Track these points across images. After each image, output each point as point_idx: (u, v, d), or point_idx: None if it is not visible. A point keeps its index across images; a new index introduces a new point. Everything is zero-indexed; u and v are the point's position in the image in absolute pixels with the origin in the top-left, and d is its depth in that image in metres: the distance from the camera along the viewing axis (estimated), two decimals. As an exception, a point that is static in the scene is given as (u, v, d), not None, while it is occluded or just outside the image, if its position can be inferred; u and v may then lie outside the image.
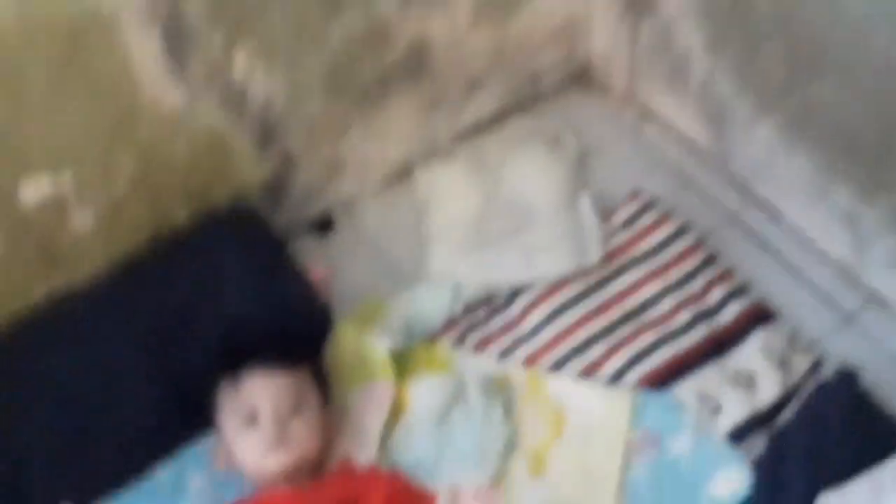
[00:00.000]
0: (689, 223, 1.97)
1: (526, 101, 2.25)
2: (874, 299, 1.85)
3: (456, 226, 2.00)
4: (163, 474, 1.74)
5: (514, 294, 1.89)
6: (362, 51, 1.89)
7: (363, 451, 1.69)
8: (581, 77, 2.31)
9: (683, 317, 1.81)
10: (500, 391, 1.74)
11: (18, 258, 1.73)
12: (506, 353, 1.81)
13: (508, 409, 1.71)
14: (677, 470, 1.60)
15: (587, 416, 1.68)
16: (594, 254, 1.89)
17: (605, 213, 1.99)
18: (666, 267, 1.89)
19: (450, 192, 2.06)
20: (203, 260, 1.81)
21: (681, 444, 1.63)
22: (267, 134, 1.89)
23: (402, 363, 1.79)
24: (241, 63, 1.75)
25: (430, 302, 1.89)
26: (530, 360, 1.79)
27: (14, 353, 1.73)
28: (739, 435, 1.63)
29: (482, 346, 1.83)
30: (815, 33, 1.68)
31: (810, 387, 1.66)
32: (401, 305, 1.90)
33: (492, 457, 1.64)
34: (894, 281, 1.81)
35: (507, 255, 1.91)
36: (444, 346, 1.83)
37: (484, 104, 2.19)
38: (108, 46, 1.58)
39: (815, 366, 1.72)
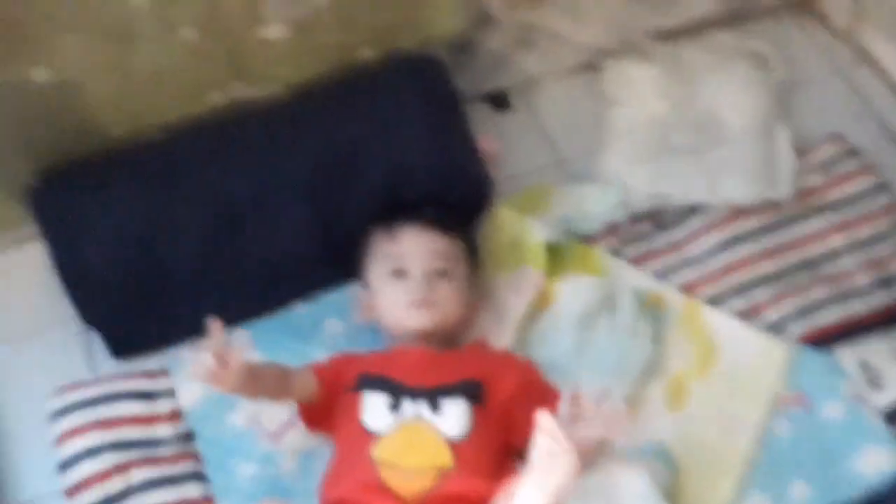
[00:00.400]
0: (890, 182, 1.84)
1: (738, 15, 2.11)
2: None
3: (638, 129, 1.91)
4: (302, 312, 1.75)
5: (687, 213, 1.80)
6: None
7: (500, 334, 1.67)
8: (801, 3, 2.15)
9: (863, 279, 1.70)
10: (652, 309, 1.67)
11: (208, 58, 1.72)
12: (664, 274, 1.74)
13: (657, 331, 1.65)
14: (824, 435, 1.53)
15: (740, 359, 1.61)
16: (785, 188, 1.78)
17: (799, 151, 1.87)
18: (856, 222, 1.77)
19: (638, 92, 1.96)
20: (381, 101, 1.78)
21: (832, 410, 1.55)
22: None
23: (556, 258, 1.74)
24: None
25: (596, 202, 1.82)
26: (689, 288, 1.71)
27: (178, 158, 1.74)
28: (896, 416, 1.55)
29: (641, 260, 1.77)
30: None
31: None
32: (565, 199, 1.84)
33: (631, 373, 1.60)
34: None
35: (689, 171, 1.81)
36: (600, 251, 1.77)
37: (693, 8, 2.07)
38: None
39: None
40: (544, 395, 1.55)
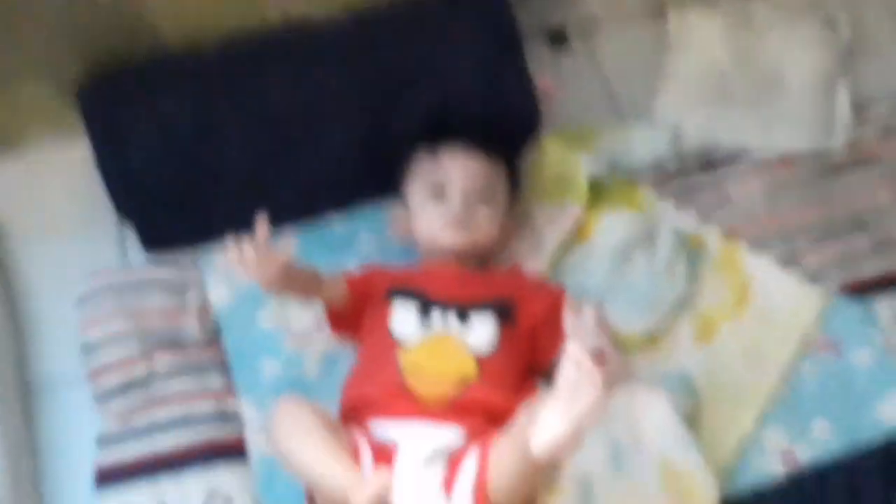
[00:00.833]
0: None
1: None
2: None
3: (696, 76, 1.88)
4: (337, 224, 1.76)
5: (736, 158, 1.78)
6: None
7: (535, 261, 1.66)
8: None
9: (907, 234, 1.67)
10: (691, 249, 1.65)
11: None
12: (707, 216, 1.72)
13: (694, 270, 1.63)
14: (851, 380, 1.51)
15: (774, 303, 1.59)
16: (838, 139, 1.76)
17: (857, 107, 1.84)
18: (905, 179, 1.74)
19: (701, 40, 1.92)
20: (439, 28, 1.76)
21: (862, 357, 1.53)
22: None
23: (598, 194, 1.73)
24: None
25: (645, 142, 1.80)
26: (731, 231, 1.69)
27: (229, 69, 1.74)
28: (926, 370, 1.52)
29: (685, 201, 1.75)
30: None
31: None
32: (614, 137, 1.82)
33: (662, 308, 1.58)
34: None
35: (743, 121, 1.79)
36: (645, 189, 1.75)
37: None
38: None
39: None
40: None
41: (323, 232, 1.75)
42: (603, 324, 1.29)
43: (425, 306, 1.47)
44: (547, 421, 1.11)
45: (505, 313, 1.47)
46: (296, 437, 1.28)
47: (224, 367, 1.59)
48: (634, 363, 1.53)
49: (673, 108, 1.84)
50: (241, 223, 1.73)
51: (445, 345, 1.43)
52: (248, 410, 1.53)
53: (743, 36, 1.92)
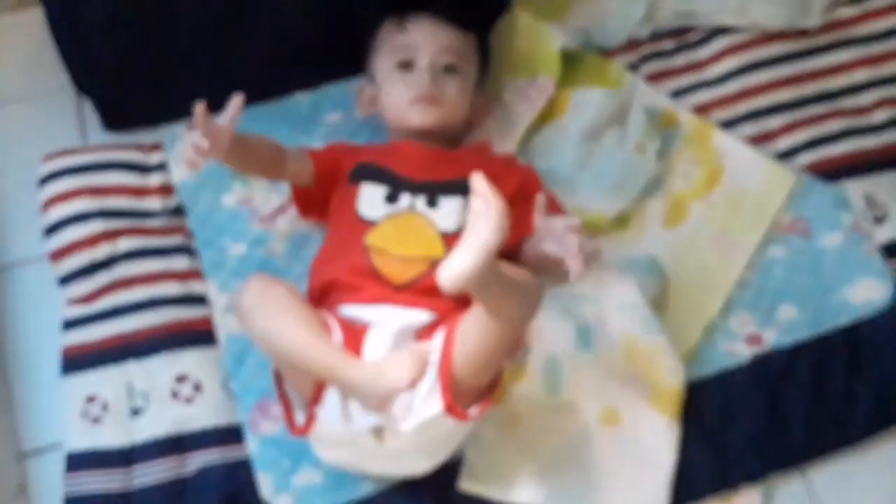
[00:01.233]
0: (926, 21, 1.77)
1: None
2: None
3: (672, -57, 1.82)
4: (302, 101, 1.72)
5: (711, 35, 1.74)
6: None
7: (505, 140, 1.64)
8: None
9: (881, 115, 1.65)
10: (662, 126, 1.63)
11: None
12: (680, 93, 1.69)
13: (665, 148, 1.61)
14: (819, 262, 1.51)
15: (744, 182, 1.58)
16: (815, 16, 1.71)
17: (836, -18, 1.79)
18: (882, 58, 1.71)
19: None
20: None
21: (831, 240, 1.53)
22: None
23: (571, 67, 1.69)
24: None
25: (619, 14, 1.75)
26: (704, 109, 1.67)
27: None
28: (895, 252, 1.52)
29: (658, 78, 1.71)
30: None
31: None
32: (587, 9, 1.77)
33: (631, 189, 1.56)
34: None
35: (719, -9, 1.74)
36: (618, 64, 1.71)
37: None
38: None
39: None
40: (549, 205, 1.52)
41: (288, 109, 1.71)
42: (573, 228, 1.27)
43: (394, 188, 1.45)
44: (454, 254, 1.13)
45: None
46: (272, 316, 1.27)
47: (189, 249, 1.57)
48: (603, 245, 1.52)
49: (648, -23, 1.78)
50: (202, 100, 1.69)
51: (412, 224, 1.42)
52: (214, 292, 1.52)
53: None
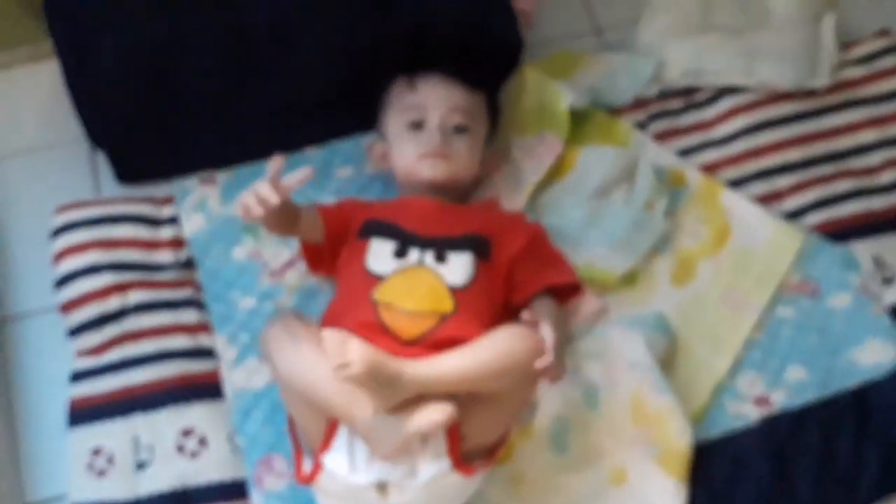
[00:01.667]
0: (933, 83, 1.77)
1: None
2: None
3: (681, 3, 1.85)
4: (313, 155, 1.73)
5: (719, 94, 1.75)
6: None
7: (514, 197, 1.64)
8: None
9: (889, 176, 1.65)
10: (670, 185, 1.63)
11: None
12: (688, 152, 1.70)
13: (673, 206, 1.61)
14: (828, 322, 1.50)
15: (752, 241, 1.57)
16: (822, 77, 1.72)
17: (844, 43, 1.80)
18: (890, 119, 1.72)
19: (685, -35, 1.88)
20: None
21: (840, 301, 1.52)
22: None
23: (579, 125, 1.70)
24: None
25: (627, 73, 1.77)
26: (712, 168, 1.67)
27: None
28: (904, 314, 1.52)
29: (666, 137, 1.72)
30: None
31: None
32: (596, 67, 1.79)
33: (639, 247, 1.56)
34: None
35: (727, 50, 1.75)
36: (626, 123, 1.73)
37: None
38: None
39: None
40: (550, 260, 1.53)
41: (299, 163, 1.69)
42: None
43: (403, 243, 1.45)
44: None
45: (481, 249, 1.46)
46: (296, 348, 1.28)
47: (198, 302, 1.58)
48: (610, 302, 1.52)
49: (656, 37, 1.81)
50: (214, 154, 1.71)
51: (420, 278, 1.42)
52: (222, 345, 1.52)
53: (729, -38, 1.87)
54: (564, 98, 1.67)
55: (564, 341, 1.43)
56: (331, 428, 1.28)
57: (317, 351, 1.26)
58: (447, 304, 1.38)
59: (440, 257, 1.43)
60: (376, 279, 1.41)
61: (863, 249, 1.57)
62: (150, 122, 1.69)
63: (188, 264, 1.62)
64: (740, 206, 1.61)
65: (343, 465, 1.26)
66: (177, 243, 1.63)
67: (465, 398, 1.25)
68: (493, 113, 1.66)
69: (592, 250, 1.56)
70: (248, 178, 1.68)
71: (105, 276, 1.56)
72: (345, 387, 1.21)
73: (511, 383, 1.28)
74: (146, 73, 1.65)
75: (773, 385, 1.46)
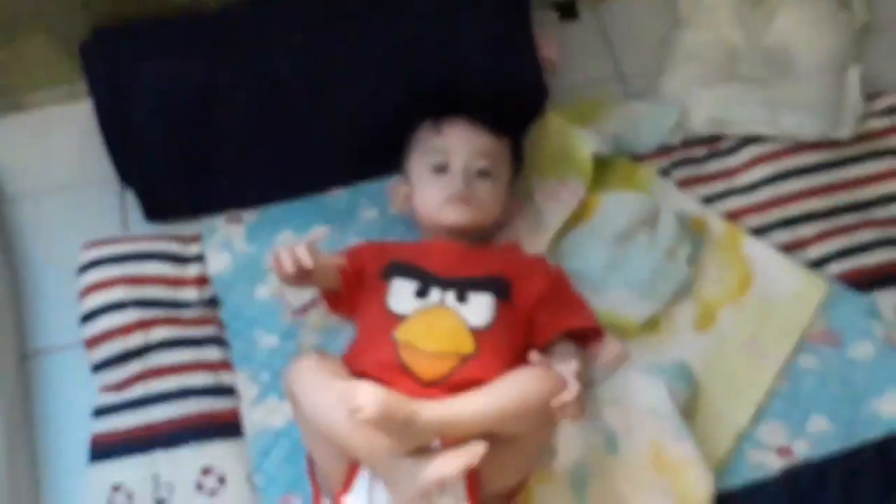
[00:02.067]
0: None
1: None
2: None
3: (706, 53, 1.86)
4: (339, 196, 1.74)
5: (743, 143, 1.75)
6: None
7: (536, 241, 1.65)
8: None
9: (913, 226, 1.65)
10: (693, 231, 1.64)
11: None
12: (711, 200, 1.70)
13: (695, 253, 1.61)
14: (850, 372, 1.50)
15: (775, 290, 1.57)
16: (847, 128, 1.72)
17: (869, 94, 1.80)
18: (914, 170, 1.72)
19: (712, 17, 1.90)
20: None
21: (862, 350, 1.51)
22: None
23: (602, 172, 1.71)
24: None
25: (651, 121, 1.78)
26: (735, 215, 1.68)
27: (232, 31, 1.71)
28: (928, 364, 1.51)
29: (689, 184, 1.73)
30: None
31: None
32: (619, 114, 1.80)
33: (661, 294, 1.56)
34: None
35: (752, 101, 1.76)
36: (649, 169, 1.73)
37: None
38: None
39: None
40: (570, 304, 1.53)
41: (325, 204, 1.73)
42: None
43: (424, 283, 1.46)
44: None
45: (502, 290, 1.46)
46: (322, 387, 1.29)
47: (221, 340, 1.59)
48: (631, 349, 1.52)
49: (681, 86, 1.82)
50: (241, 194, 1.73)
51: (441, 319, 1.42)
52: (243, 383, 1.53)
53: (754, 14, 1.89)
54: (588, 144, 1.68)
55: (585, 382, 1.43)
56: (352, 470, 1.27)
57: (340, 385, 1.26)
58: (468, 346, 1.38)
59: (461, 297, 1.44)
60: (397, 319, 1.42)
61: (886, 299, 1.56)
62: (180, 162, 1.71)
63: (212, 302, 1.63)
64: (763, 254, 1.61)
65: (362, 508, 1.26)
66: (202, 281, 1.65)
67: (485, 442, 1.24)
68: (517, 158, 1.68)
69: (614, 295, 1.56)
70: (274, 218, 1.70)
71: (130, 312, 1.57)
72: (366, 429, 1.21)
73: (530, 425, 1.28)
74: (179, 116, 1.68)
75: (796, 435, 1.45)
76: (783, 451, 1.43)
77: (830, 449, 1.43)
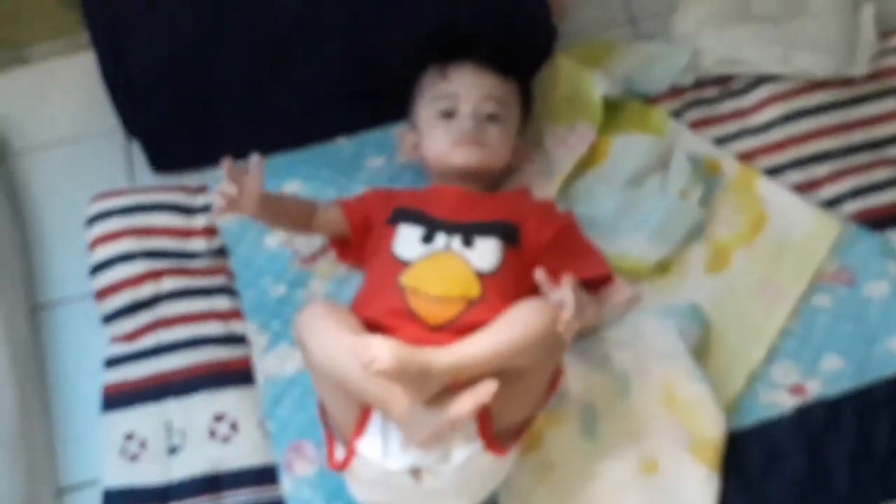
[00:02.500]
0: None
1: None
2: None
3: (717, -7, 1.83)
4: (344, 145, 1.73)
5: (756, 82, 1.73)
6: None
7: (545, 186, 1.64)
8: None
9: (929, 165, 1.63)
10: (705, 173, 1.62)
11: None
12: (724, 141, 1.68)
13: (708, 195, 1.59)
14: (864, 311, 1.48)
15: (789, 229, 1.55)
16: (861, 66, 1.70)
17: (883, 32, 1.77)
18: (929, 108, 1.69)
19: (723, -45, 1.86)
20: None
21: (877, 289, 1.49)
22: None
23: (613, 114, 1.69)
24: None
25: (663, 62, 1.75)
26: (748, 156, 1.65)
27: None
28: (943, 303, 1.49)
29: (702, 125, 1.70)
30: None
31: None
32: (631, 55, 1.77)
33: (673, 236, 1.55)
34: None
35: (765, 39, 1.73)
36: (661, 111, 1.71)
37: None
38: None
39: None
40: (579, 250, 1.52)
41: (330, 153, 1.72)
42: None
43: (430, 229, 1.45)
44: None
45: (509, 234, 1.45)
46: (332, 332, 1.28)
47: (231, 290, 1.58)
48: (643, 291, 1.51)
49: (692, 26, 1.79)
50: (248, 145, 1.71)
51: (447, 263, 1.41)
52: (253, 332, 1.53)
53: (768, -49, 1.85)
54: (598, 86, 1.66)
55: (596, 322, 1.45)
56: (364, 414, 1.27)
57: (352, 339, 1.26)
58: (474, 290, 1.38)
59: (467, 242, 1.43)
60: (403, 265, 1.41)
61: (901, 238, 1.54)
62: (185, 112, 1.71)
63: (221, 252, 1.63)
64: (777, 195, 1.59)
65: (377, 451, 1.26)
66: (210, 231, 1.64)
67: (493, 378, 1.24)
68: (526, 102, 1.65)
69: (626, 239, 1.55)
70: (280, 168, 1.69)
71: (139, 263, 1.57)
72: (380, 380, 1.21)
73: (538, 356, 1.27)
74: (181, 65, 1.67)
75: (809, 374, 1.43)
76: (796, 390, 1.42)
77: (843, 387, 1.42)
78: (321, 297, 1.55)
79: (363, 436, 1.27)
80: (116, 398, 1.48)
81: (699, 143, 1.67)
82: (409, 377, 1.19)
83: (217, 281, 1.59)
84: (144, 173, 1.75)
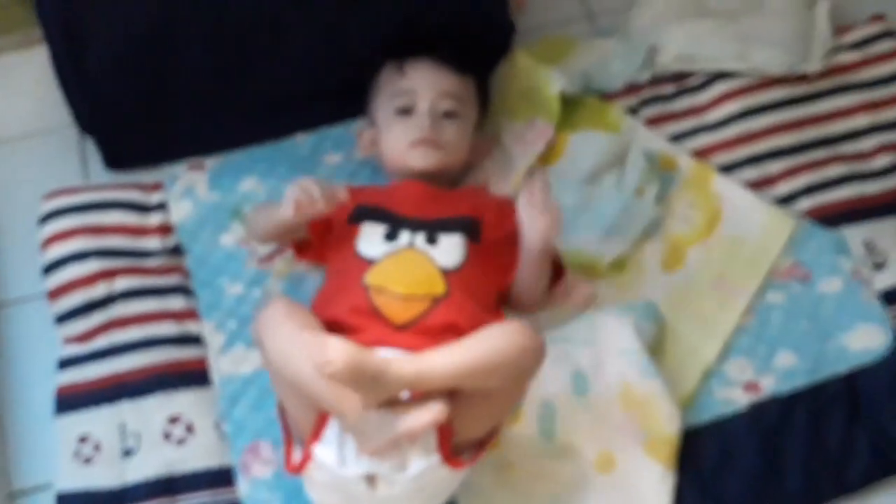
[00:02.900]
0: (926, 68, 1.76)
1: None
2: None
3: (674, -13, 1.83)
4: (302, 141, 1.72)
5: (712, 79, 1.74)
6: None
7: (503, 182, 1.64)
8: None
9: (882, 161, 1.64)
10: (661, 170, 1.62)
11: None
12: (680, 137, 1.69)
13: (664, 191, 1.60)
14: (818, 308, 1.50)
15: (744, 227, 1.57)
16: (815, 62, 1.71)
17: (838, 28, 1.79)
18: (883, 103, 1.71)
19: (680, -49, 1.87)
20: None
21: (830, 286, 1.51)
22: None
23: (570, 111, 1.69)
24: None
25: (619, 58, 1.76)
26: (703, 153, 1.66)
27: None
28: (894, 299, 1.51)
29: (658, 122, 1.71)
30: None
31: None
32: (587, 53, 1.78)
33: (630, 233, 1.56)
34: None
35: (721, 35, 1.74)
36: (618, 108, 1.71)
37: None
38: None
39: None
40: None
41: (288, 150, 1.71)
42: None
43: (393, 226, 1.44)
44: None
45: (471, 231, 1.45)
46: (289, 335, 1.25)
47: (186, 289, 1.57)
48: (599, 289, 1.51)
49: (649, 22, 1.79)
50: (204, 141, 1.71)
51: (410, 261, 1.41)
52: (209, 332, 1.52)
53: (724, -51, 1.86)
54: (555, 83, 1.66)
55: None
56: (321, 418, 1.26)
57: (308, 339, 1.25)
58: (439, 287, 1.37)
59: (431, 239, 1.42)
60: (367, 263, 1.40)
61: (854, 234, 1.56)
62: (140, 108, 1.68)
63: (176, 251, 1.61)
64: (732, 192, 1.60)
65: (332, 457, 1.24)
66: (165, 230, 1.62)
67: (457, 393, 1.23)
68: (483, 98, 1.65)
69: (582, 236, 1.55)
70: (237, 164, 1.68)
71: (92, 262, 1.55)
72: (334, 383, 1.20)
73: (501, 381, 1.25)
74: (136, 60, 1.64)
75: (763, 371, 1.45)
76: (750, 387, 1.44)
77: (797, 384, 1.43)
78: (280, 296, 1.54)
79: (320, 441, 1.26)
80: (70, 400, 1.46)
81: (655, 140, 1.67)
82: (362, 381, 1.17)
83: (172, 280, 1.57)
84: (99, 170, 1.72)
